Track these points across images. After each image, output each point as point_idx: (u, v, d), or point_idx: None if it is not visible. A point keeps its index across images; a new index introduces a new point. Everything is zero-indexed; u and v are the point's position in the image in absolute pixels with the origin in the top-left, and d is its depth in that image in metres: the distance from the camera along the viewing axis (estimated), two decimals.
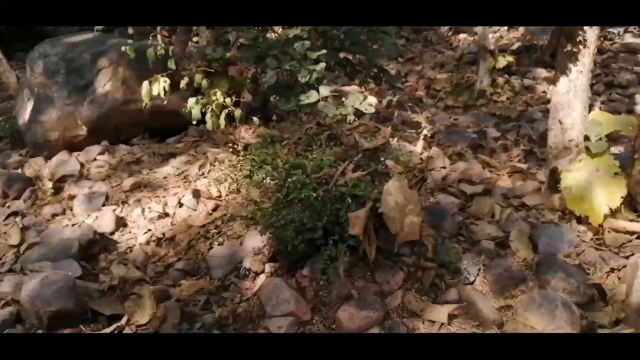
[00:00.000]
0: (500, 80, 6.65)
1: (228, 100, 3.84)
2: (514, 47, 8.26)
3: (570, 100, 3.44)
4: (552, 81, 3.61)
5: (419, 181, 2.72)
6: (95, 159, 4.67)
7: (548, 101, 6.48)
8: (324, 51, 4.02)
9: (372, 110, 4.03)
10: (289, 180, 2.65)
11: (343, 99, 4.25)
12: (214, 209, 3.69)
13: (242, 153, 3.31)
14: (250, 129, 4.68)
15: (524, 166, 4.44)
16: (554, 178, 3.49)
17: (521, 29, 8.91)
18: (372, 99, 4.22)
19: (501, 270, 2.88)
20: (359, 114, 4.41)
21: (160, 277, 3.22)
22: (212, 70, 4.69)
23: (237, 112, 3.81)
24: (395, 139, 4.53)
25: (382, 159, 2.82)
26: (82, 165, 4.54)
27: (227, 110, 3.81)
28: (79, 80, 4.82)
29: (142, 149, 4.82)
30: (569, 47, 3.42)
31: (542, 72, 7.27)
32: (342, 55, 5.32)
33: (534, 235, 3.15)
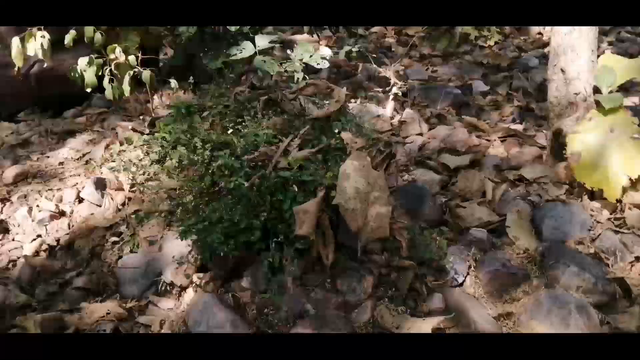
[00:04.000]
0: None
1: (132, 58, 3.45)
2: None
3: (575, 42, 3.22)
4: None
5: (385, 158, 2.44)
6: None
7: (545, 44, 6.30)
8: None
9: (326, 64, 3.75)
10: (213, 165, 2.33)
11: (289, 51, 3.93)
12: (125, 203, 3.34)
13: (147, 130, 2.96)
14: (171, 95, 4.31)
15: (519, 127, 4.23)
16: (558, 142, 3.28)
17: None
18: (326, 50, 3.92)
19: (497, 266, 2.66)
20: (310, 70, 4.10)
21: (53, 301, 2.88)
22: None
23: (146, 74, 3.43)
24: (359, 101, 4.24)
25: (337, 130, 2.52)
26: None
27: (132, 72, 3.42)
28: None
29: (31, 126, 4.40)
30: None
31: None
32: None
33: (536, 217, 2.95)
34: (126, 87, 3.42)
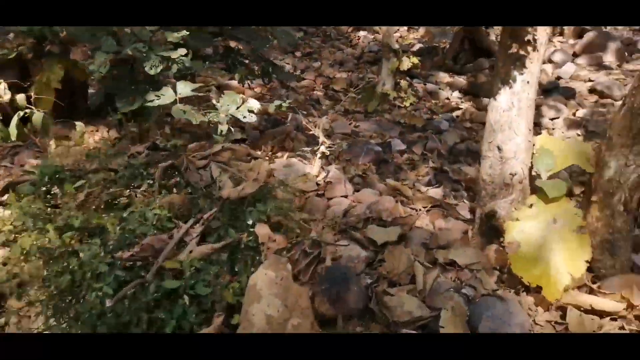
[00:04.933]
0: (404, 83, 5.64)
1: (20, 97, 2.32)
2: (414, 48, 7.37)
3: (513, 119, 2.42)
4: (489, 93, 2.54)
5: (311, 263, 1.47)
6: None
7: (453, 109, 5.58)
8: (185, 32, 2.64)
9: (253, 118, 2.75)
10: (72, 263, 1.26)
11: (214, 101, 2.90)
12: None
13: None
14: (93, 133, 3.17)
15: (438, 191, 3.40)
16: (490, 224, 2.44)
17: (421, 30, 8.05)
18: (254, 103, 2.91)
19: None
20: (235, 121, 3.08)
21: None
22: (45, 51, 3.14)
23: (37, 116, 2.31)
24: (286, 155, 3.27)
25: (251, 221, 1.52)
26: None
27: (21, 113, 2.29)
28: None
29: None
30: (513, 49, 2.38)
31: (444, 77, 6.40)
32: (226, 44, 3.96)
33: (472, 315, 2.05)
34: (13, 130, 2.28)
